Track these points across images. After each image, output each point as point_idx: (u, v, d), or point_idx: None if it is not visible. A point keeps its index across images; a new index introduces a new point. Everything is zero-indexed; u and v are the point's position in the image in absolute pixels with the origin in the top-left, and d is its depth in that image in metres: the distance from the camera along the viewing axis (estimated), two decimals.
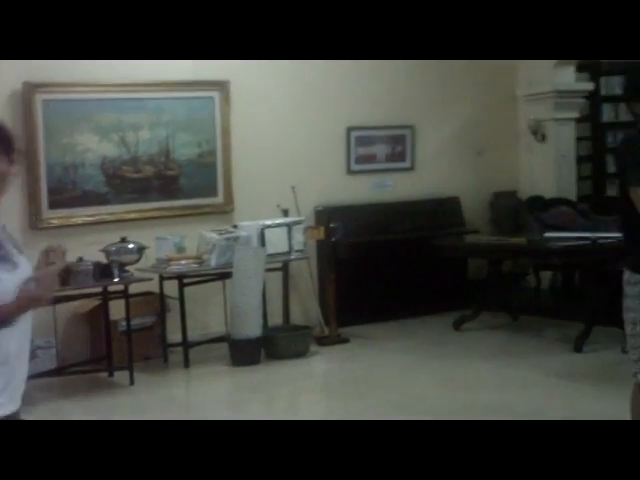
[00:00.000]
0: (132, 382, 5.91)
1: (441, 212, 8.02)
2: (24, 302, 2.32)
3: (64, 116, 6.65)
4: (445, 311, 7.45)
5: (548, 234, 6.90)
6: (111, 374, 6.13)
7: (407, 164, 8.14)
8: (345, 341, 6.90)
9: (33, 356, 6.08)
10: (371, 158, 8.01)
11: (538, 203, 7.70)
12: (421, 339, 6.96)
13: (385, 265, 7.49)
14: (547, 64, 7.91)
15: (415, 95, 7.98)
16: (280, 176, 7.36)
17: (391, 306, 7.44)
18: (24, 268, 2.42)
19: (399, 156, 8.12)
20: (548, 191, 8.03)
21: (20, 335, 2.41)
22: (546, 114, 8.29)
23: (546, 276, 7.90)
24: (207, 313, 6.97)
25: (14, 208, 6.44)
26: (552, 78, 8.16)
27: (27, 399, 5.22)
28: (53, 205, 6.58)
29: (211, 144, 7.23)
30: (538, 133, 8.34)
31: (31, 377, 5.65)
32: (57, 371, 5.99)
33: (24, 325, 2.42)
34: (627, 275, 3.40)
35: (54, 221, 6.55)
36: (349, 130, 7.83)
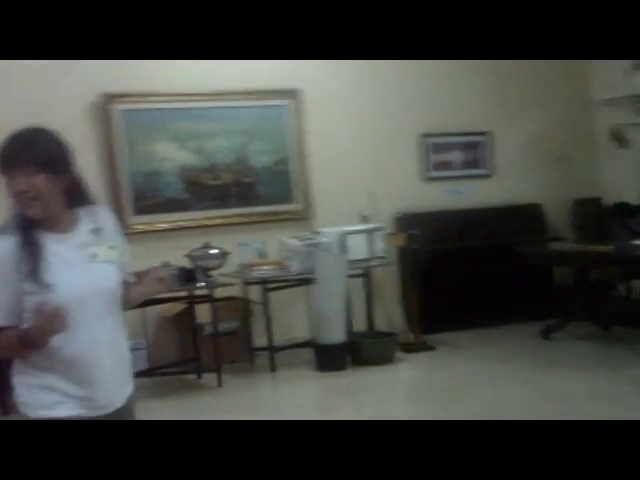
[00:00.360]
0: (220, 384, 5.89)
1: (523, 219, 7.84)
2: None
3: (142, 125, 6.70)
4: (530, 319, 7.25)
5: (636, 241, 6.67)
6: (199, 376, 6.14)
7: (484, 171, 7.99)
8: (431, 348, 6.74)
9: None
10: (446, 165, 7.89)
11: (625, 210, 7.47)
12: (508, 348, 6.76)
13: (467, 272, 7.32)
14: (623, 67, 7.70)
15: (491, 101, 7.86)
16: (358, 182, 7.30)
17: (475, 314, 7.27)
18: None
19: (475, 163, 7.98)
20: (633, 197, 7.78)
21: (89, 341, 2.27)
22: (626, 119, 8.07)
23: (637, 285, 7.62)
24: (290, 318, 6.91)
25: None
26: (629, 81, 7.95)
27: None
28: (137, 212, 6.61)
29: (286, 151, 7.20)
30: (619, 138, 8.12)
31: None
32: (148, 372, 5.96)
33: (93, 330, 2.28)
34: None
35: (139, 227, 6.56)
36: (424, 136, 7.72)
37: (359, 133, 7.44)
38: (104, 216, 2.42)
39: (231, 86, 6.85)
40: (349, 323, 6.55)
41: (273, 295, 6.46)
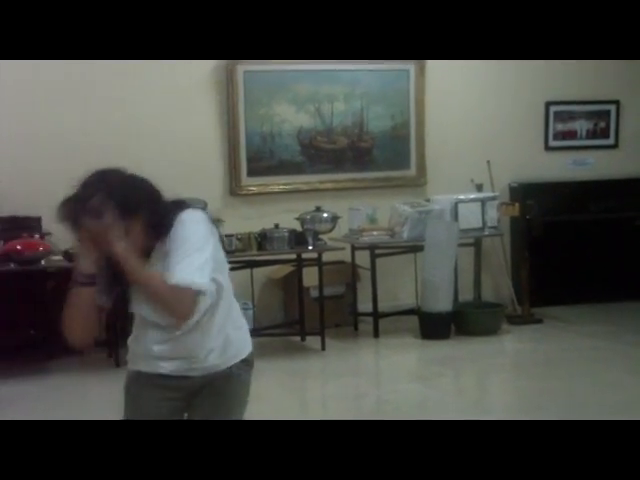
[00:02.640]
0: (323, 347, 6.01)
1: None
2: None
3: (263, 87, 6.81)
4: None
5: None
6: (303, 338, 6.28)
7: (610, 141, 7.72)
8: (538, 321, 6.66)
9: None
10: (571, 134, 7.67)
11: None
12: (617, 325, 6.58)
13: (582, 245, 7.17)
14: None
15: (620, 67, 7.51)
16: (474, 150, 7.21)
17: (588, 288, 7.11)
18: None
19: (602, 133, 7.72)
20: None
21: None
22: None
23: None
24: (397, 285, 6.96)
25: (216, 175, 6.70)
26: None
27: None
28: (251, 173, 6.77)
29: (404, 117, 7.18)
30: None
31: None
32: (253, 332, 6.13)
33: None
34: None
35: (252, 188, 6.74)
36: (548, 105, 7.52)
37: (480, 100, 7.32)
38: (173, 233, 2.30)
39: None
40: (456, 292, 6.55)
41: (381, 261, 6.52)
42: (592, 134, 7.69)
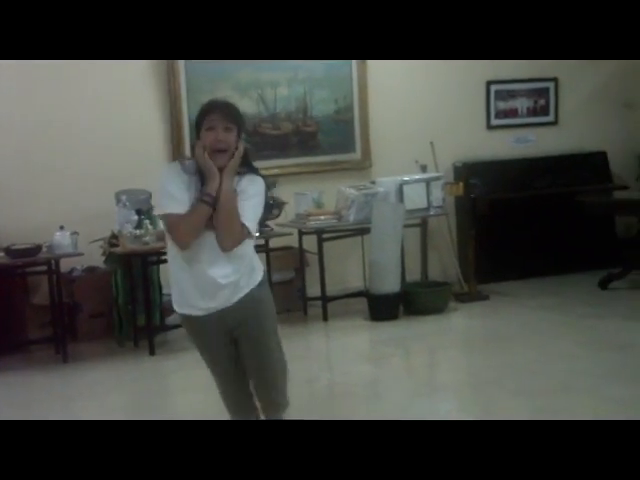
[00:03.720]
0: None
1: (587, 167, 7.70)
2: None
3: (205, 75, 6.78)
4: (591, 269, 7.16)
5: None
6: None
7: (550, 118, 7.86)
8: (484, 298, 6.77)
9: None
10: (512, 112, 7.78)
11: None
12: (564, 297, 6.72)
13: (526, 221, 7.30)
14: None
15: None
16: (418, 132, 7.27)
17: (532, 263, 7.25)
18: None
19: (542, 110, 7.84)
20: None
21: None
22: None
23: None
24: (345, 268, 7.01)
25: (160, 165, 6.65)
26: None
27: (174, 347, 5.26)
28: None
29: (348, 100, 7.22)
30: None
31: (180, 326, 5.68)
32: None
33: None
34: None
35: None
36: (488, 84, 7.62)
37: (421, 82, 7.39)
38: (247, 182, 2.99)
39: None
40: (403, 273, 6.62)
41: (329, 245, 6.56)
42: (532, 112, 7.81)
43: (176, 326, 6.10)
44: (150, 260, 5.88)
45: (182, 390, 5.12)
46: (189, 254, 2.94)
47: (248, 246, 3.02)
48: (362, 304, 6.49)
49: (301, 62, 7.00)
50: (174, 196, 2.90)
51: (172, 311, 6.15)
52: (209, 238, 2.91)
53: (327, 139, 7.20)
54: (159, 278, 6.16)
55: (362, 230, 6.60)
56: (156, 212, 3.00)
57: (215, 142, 2.87)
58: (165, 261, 6.10)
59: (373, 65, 7.14)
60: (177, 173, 2.95)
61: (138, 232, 5.84)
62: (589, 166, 7.70)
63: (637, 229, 7.26)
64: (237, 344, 3.09)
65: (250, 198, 2.95)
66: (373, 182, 6.84)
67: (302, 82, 7.09)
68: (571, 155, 7.71)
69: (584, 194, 7.07)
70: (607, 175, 7.75)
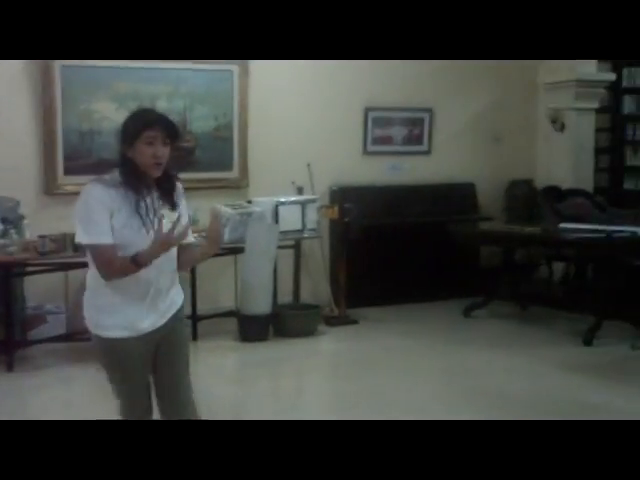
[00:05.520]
0: None
1: (456, 198, 7.98)
2: (157, 246, 2.87)
3: (82, 83, 6.62)
4: (456, 297, 7.45)
5: (563, 225, 6.83)
6: None
7: (424, 147, 8.09)
8: (354, 322, 6.90)
9: (44, 321, 6.10)
10: (388, 140, 7.97)
11: (554, 193, 7.63)
12: (430, 324, 6.95)
13: (397, 248, 7.48)
14: None
15: (435, 78, 7.91)
16: (296, 153, 7.35)
17: (402, 290, 7.44)
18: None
19: (416, 139, 8.08)
20: (565, 181, 7.96)
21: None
22: (566, 103, 8.21)
23: (559, 267, 7.85)
24: (217, 287, 6.98)
25: (30, 174, 6.47)
26: (574, 67, 8.05)
27: (35, 364, 5.12)
28: (68, 171, 6.57)
29: (228, 118, 7.22)
30: (557, 122, 8.26)
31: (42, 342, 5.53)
32: (66, 337, 6.01)
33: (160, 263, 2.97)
34: None
35: (69, 187, 6.52)
36: (367, 110, 7.79)
37: (302, 104, 7.46)
38: (179, 190, 3.12)
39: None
40: (275, 294, 6.67)
41: (202, 264, 6.49)
42: (407, 140, 8.03)
43: (39, 341, 5.93)
44: (14, 272, 5.69)
45: (42, 410, 4.96)
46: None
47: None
48: (233, 324, 6.49)
49: (183, 75, 6.96)
50: (101, 225, 2.86)
51: (36, 326, 6.05)
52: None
53: (205, 156, 7.17)
54: (22, 290, 5.96)
55: (236, 249, 6.59)
56: (82, 240, 2.86)
57: (154, 157, 2.92)
58: (31, 273, 5.99)
59: (255, 83, 7.17)
60: (100, 198, 2.89)
61: (2, 241, 5.64)
62: (458, 196, 7.99)
63: (499, 260, 7.58)
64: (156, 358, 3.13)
65: (186, 215, 3.15)
66: (249, 201, 6.85)
67: (183, 97, 7.04)
68: (442, 185, 7.97)
69: (452, 223, 7.33)
70: (475, 206, 8.07)
